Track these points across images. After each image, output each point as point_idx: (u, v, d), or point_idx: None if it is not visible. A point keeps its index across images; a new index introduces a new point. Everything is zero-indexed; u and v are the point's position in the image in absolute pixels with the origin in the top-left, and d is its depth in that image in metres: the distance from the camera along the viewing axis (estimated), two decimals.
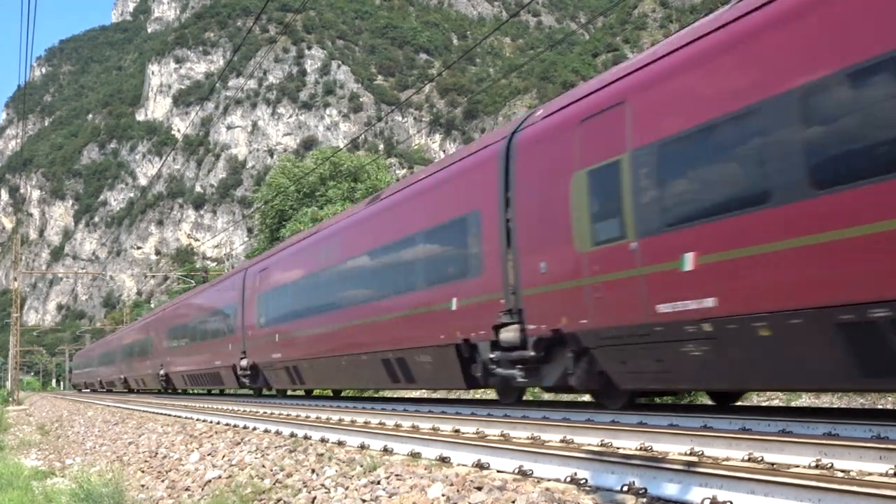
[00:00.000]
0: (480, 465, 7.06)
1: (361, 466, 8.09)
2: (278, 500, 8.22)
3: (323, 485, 8.04)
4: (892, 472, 5.52)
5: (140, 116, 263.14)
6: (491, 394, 23.83)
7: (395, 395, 24.04)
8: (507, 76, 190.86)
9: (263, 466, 9.96)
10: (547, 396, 21.11)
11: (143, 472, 12.89)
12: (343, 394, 25.89)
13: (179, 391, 37.94)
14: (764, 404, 14.63)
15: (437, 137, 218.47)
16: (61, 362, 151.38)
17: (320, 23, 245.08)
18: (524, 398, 20.75)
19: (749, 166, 8.14)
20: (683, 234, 8.74)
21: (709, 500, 4.80)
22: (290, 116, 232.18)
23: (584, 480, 5.88)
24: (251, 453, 11.15)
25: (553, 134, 11.18)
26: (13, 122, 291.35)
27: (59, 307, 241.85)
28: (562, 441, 8.18)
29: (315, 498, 7.75)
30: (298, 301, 20.41)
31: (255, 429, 13.68)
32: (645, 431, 7.82)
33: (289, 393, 26.75)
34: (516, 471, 6.61)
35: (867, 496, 4.30)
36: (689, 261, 8.68)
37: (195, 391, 36.18)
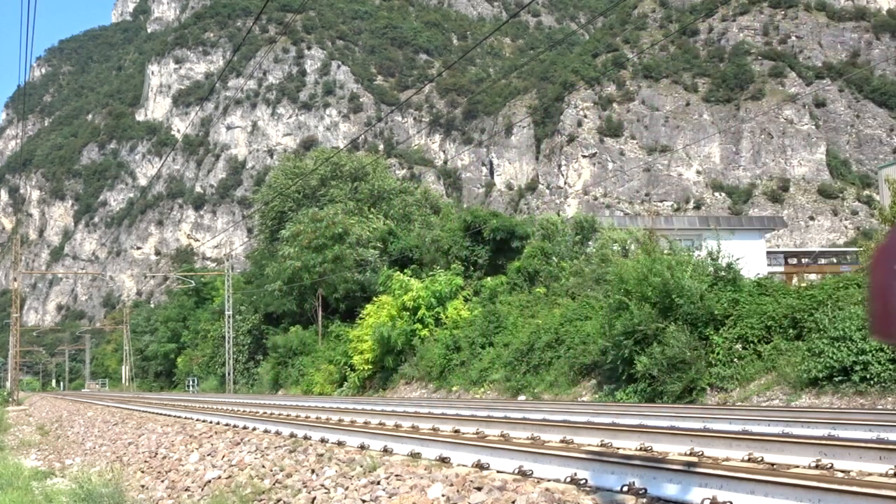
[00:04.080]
0: (480, 466, 7.06)
1: (361, 467, 8.08)
2: (278, 501, 8.21)
3: (323, 485, 8.03)
4: (892, 472, 5.52)
5: (140, 116, 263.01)
6: (491, 393, 23.81)
7: (394, 396, 23.96)
8: (507, 76, 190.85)
9: (263, 467, 9.95)
10: (546, 396, 21.11)
11: (142, 472, 12.87)
12: (339, 394, 20.98)
13: None
14: (764, 404, 14.63)
15: (437, 137, 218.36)
16: (61, 362, 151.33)
17: (320, 23, 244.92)
18: (523, 398, 20.78)
19: None
20: None
21: (709, 501, 4.80)
22: (290, 117, 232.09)
23: (584, 481, 5.88)
24: (251, 453, 11.14)
25: None
26: (13, 122, 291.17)
27: (59, 307, 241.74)
28: (562, 441, 8.17)
29: (315, 498, 7.74)
30: None
31: (254, 429, 13.67)
32: (645, 432, 7.81)
33: (285, 392, 25.25)
34: (516, 471, 6.61)
35: (867, 496, 4.30)
36: None
37: None
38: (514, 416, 10.67)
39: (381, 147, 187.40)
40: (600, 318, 20.50)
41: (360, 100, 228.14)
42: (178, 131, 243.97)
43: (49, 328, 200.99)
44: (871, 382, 13.64)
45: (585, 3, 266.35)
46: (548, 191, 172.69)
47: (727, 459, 6.46)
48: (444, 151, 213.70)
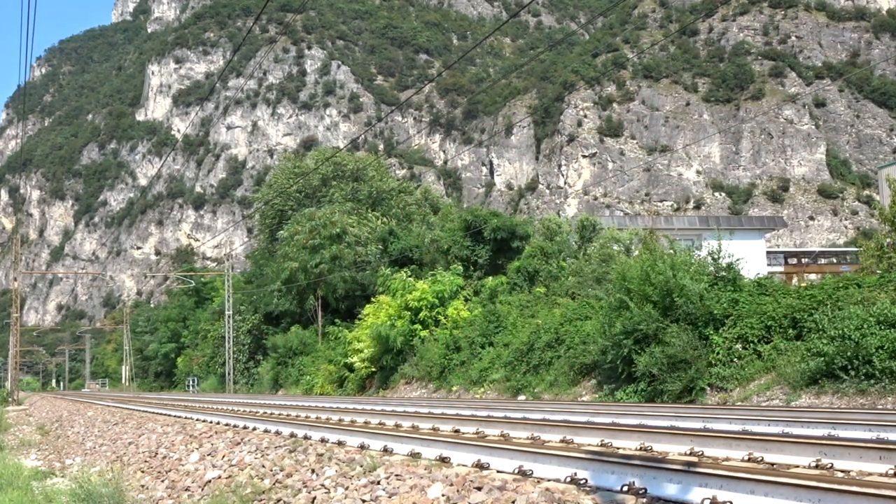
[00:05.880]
0: (480, 466, 7.06)
1: (361, 466, 8.08)
2: (278, 501, 8.21)
3: (323, 485, 8.03)
4: (892, 472, 5.52)
5: (140, 116, 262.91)
6: (491, 393, 23.80)
7: (394, 395, 23.96)
8: (507, 76, 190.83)
9: (263, 466, 9.95)
10: (546, 396, 21.11)
11: (143, 472, 12.87)
12: (339, 394, 22.78)
13: None
14: (764, 404, 14.63)
15: (437, 137, 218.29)
16: (61, 362, 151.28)
17: (320, 23, 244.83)
18: (523, 398, 20.74)
19: None
20: None
21: (709, 501, 4.80)
22: (290, 116, 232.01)
23: (584, 480, 5.88)
24: (251, 453, 11.14)
25: None
26: (13, 122, 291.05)
27: (59, 307, 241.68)
28: (562, 441, 8.17)
29: (315, 498, 7.74)
30: None
31: (255, 429, 13.67)
32: (645, 432, 7.81)
33: (285, 392, 25.55)
34: (516, 471, 6.61)
35: (867, 496, 4.30)
36: None
37: None
38: (514, 416, 10.67)
39: (381, 147, 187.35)
40: (600, 318, 20.49)
41: (360, 100, 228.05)
42: (179, 131, 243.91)
43: (49, 328, 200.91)
44: (871, 382, 13.64)
45: (585, 3, 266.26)
46: (548, 191, 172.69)
47: (727, 459, 6.46)
48: (444, 151, 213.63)
